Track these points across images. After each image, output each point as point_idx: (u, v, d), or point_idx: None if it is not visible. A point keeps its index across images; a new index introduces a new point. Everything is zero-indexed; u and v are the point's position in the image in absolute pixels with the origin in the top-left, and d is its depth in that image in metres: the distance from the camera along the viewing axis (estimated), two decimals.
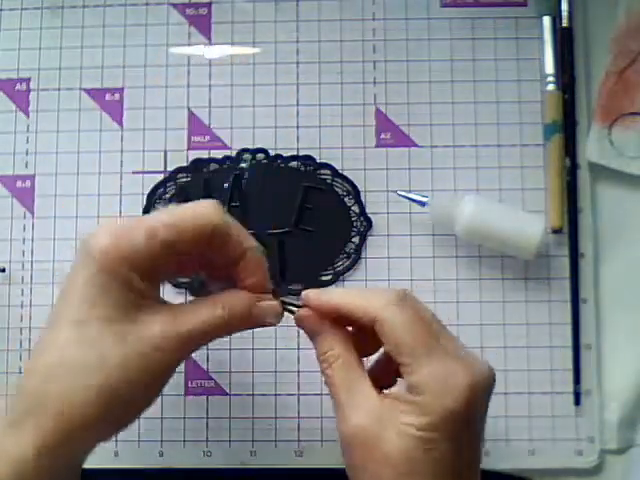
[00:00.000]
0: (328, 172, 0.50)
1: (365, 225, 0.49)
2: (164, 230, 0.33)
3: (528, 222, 0.46)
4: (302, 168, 0.50)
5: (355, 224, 0.49)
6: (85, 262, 0.33)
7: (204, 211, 0.34)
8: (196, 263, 0.37)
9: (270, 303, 0.37)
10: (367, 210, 0.49)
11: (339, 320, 0.37)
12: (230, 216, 0.35)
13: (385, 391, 0.35)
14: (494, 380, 0.35)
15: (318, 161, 0.50)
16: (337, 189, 0.50)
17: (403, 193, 0.48)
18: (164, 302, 0.36)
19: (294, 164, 0.50)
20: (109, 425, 0.34)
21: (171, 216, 0.34)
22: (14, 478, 0.31)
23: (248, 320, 0.36)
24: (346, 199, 0.50)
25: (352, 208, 0.49)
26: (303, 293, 0.37)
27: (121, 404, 0.33)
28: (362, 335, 0.36)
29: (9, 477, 0.31)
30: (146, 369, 0.33)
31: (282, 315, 0.38)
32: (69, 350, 0.32)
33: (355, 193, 0.49)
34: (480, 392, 0.33)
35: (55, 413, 0.32)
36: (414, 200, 0.48)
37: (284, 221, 0.49)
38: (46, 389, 0.32)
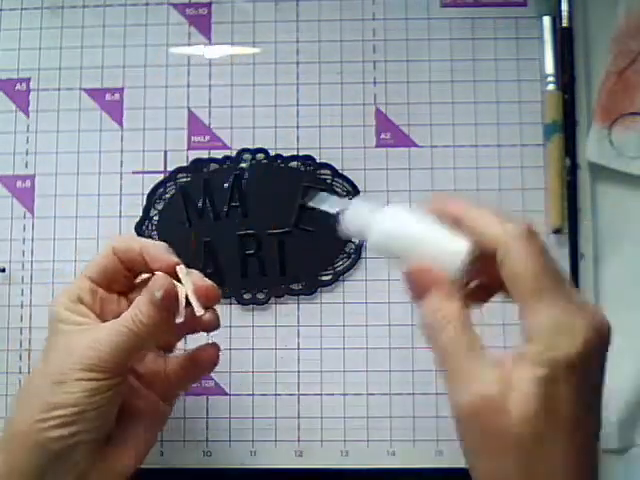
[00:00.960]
0: (328, 172, 0.50)
1: None
2: (87, 270, 0.40)
3: (450, 245, 0.34)
4: (302, 168, 0.50)
5: None
6: None
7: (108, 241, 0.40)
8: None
9: (157, 275, 0.38)
10: None
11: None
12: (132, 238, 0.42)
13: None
14: (611, 334, 0.32)
15: (318, 161, 0.50)
16: (337, 189, 0.50)
17: (312, 204, 0.39)
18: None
19: (294, 164, 0.50)
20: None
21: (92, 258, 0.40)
22: None
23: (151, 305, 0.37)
24: (346, 199, 0.50)
25: None
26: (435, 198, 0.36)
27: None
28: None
29: None
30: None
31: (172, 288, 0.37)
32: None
33: (355, 193, 0.49)
34: (598, 348, 0.30)
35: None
36: (325, 211, 0.38)
37: (284, 221, 0.49)
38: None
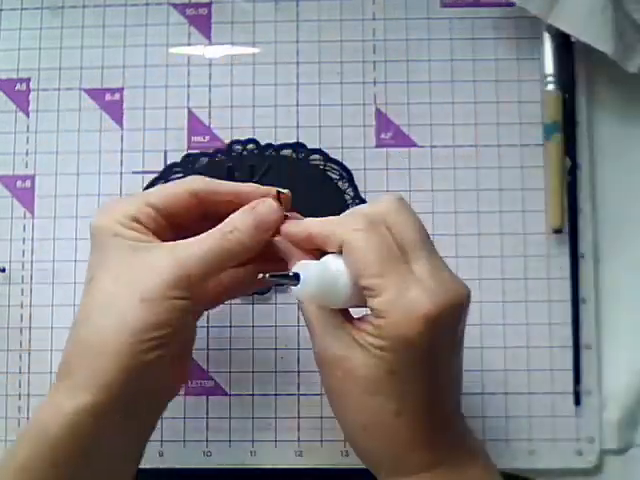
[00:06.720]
0: (320, 157, 0.50)
1: None
2: (153, 198, 0.37)
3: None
4: (294, 155, 0.50)
5: (350, 207, 0.49)
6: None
7: (186, 180, 0.39)
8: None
9: (264, 199, 0.37)
10: None
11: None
12: (219, 181, 0.39)
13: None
14: (465, 304, 0.35)
15: (309, 147, 0.50)
16: (330, 174, 0.50)
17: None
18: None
19: (285, 152, 0.50)
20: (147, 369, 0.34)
21: (160, 188, 0.39)
22: (68, 432, 0.33)
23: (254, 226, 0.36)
24: (340, 183, 0.50)
25: (347, 191, 0.49)
26: (282, 227, 0.37)
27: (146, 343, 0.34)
28: None
29: (63, 431, 0.32)
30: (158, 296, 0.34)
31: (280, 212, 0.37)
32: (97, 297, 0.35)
33: (349, 177, 0.49)
34: (442, 320, 0.33)
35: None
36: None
37: None
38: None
